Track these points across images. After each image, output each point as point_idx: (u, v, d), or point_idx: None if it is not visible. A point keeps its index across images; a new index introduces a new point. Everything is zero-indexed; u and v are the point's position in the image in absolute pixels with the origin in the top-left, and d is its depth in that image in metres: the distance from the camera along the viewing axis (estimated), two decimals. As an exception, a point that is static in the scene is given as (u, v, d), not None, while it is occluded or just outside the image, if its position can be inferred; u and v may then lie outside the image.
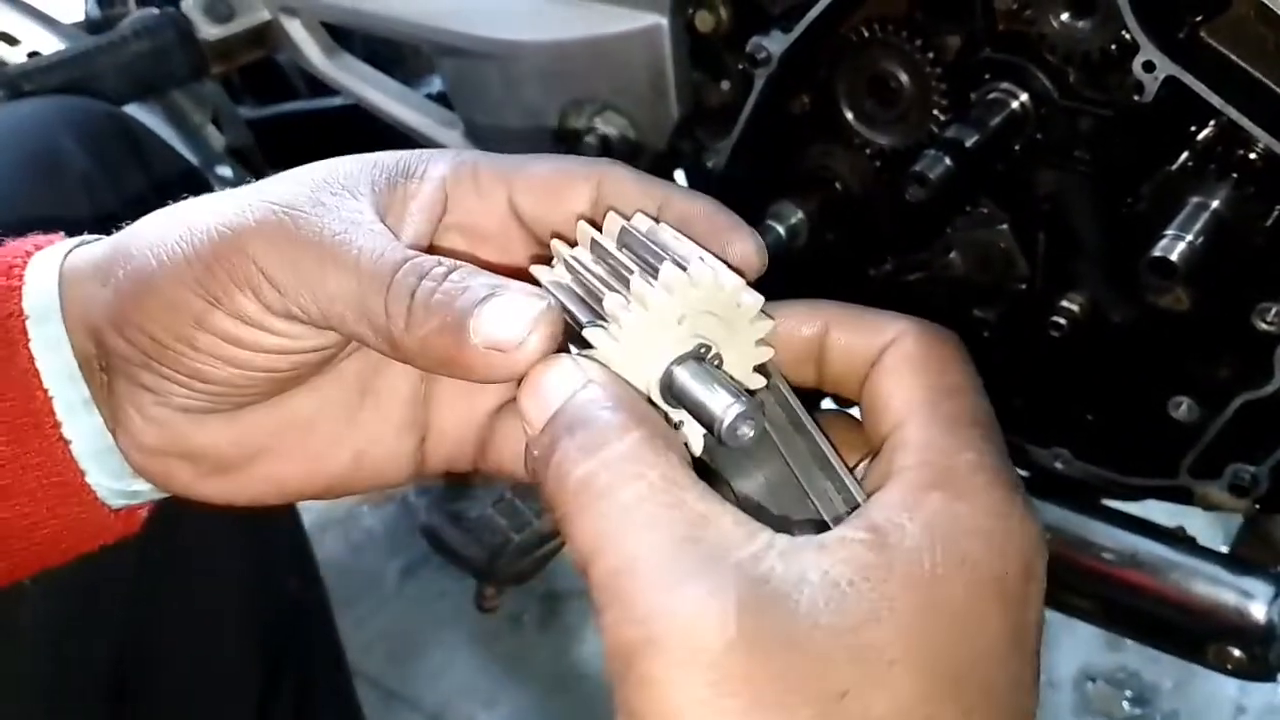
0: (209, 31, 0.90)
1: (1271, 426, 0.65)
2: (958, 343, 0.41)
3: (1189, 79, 0.58)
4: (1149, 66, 0.59)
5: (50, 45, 1.01)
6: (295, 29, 0.91)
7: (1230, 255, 0.62)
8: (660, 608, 0.31)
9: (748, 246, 0.41)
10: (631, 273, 0.39)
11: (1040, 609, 0.37)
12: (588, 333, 0.38)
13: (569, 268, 0.41)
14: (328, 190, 0.40)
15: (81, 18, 1.25)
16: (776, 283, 0.87)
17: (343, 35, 0.97)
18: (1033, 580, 0.36)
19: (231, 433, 0.44)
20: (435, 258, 0.38)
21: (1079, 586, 0.76)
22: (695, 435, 0.40)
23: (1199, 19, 0.60)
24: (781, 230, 0.76)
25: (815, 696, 0.31)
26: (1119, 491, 0.78)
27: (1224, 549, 0.80)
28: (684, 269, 0.38)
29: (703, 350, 0.39)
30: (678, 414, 0.40)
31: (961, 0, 0.68)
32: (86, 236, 0.46)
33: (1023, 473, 0.82)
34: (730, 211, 0.42)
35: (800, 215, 0.76)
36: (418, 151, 0.43)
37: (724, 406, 0.37)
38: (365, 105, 0.91)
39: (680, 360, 0.39)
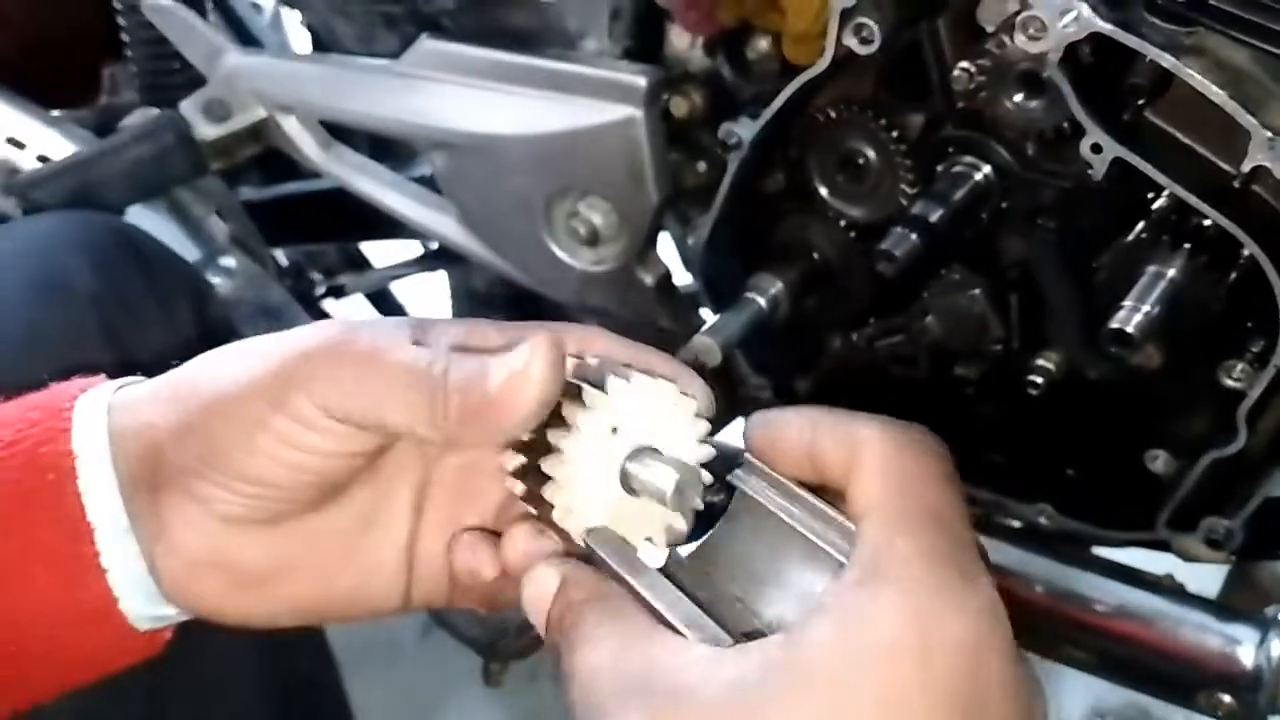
0: (206, 131, 0.93)
1: (1241, 481, 0.67)
2: (923, 439, 0.43)
3: (1135, 159, 0.61)
4: (1096, 148, 0.62)
5: (55, 144, 1.04)
6: (291, 125, 0.94)
7: (1189, 321, 0.64)
8: None
9: (696, 387, 0.46)
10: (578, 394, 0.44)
11: (1006, 679, 0.38)
12: (544, 464, 0.44)
13: None
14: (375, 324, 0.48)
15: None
16: (761, 351, 0.89)
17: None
18: (978, 654, 0.37)
19: (266, 544, 0.48)
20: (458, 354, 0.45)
21: (1070, 637, 0.78)
22: (656, 553, 0.44)
23: (1142, 102, 0.62)
24: (762, 302, 0.78)
25: None
26: (1103, 542, 0.79)
27: (1216, 590, 0.82)
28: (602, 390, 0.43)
29: (647, 450, 0.44)
30: (645, 515, 0.44)
31: (922, 81, 0.70)
32: (131, 379, 0.51)
33: (1014, 523, 0.84)
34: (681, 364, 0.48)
35: (780, 286, 0.79)
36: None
37: (669, 479, 0.43)
38: (362, 197, 0.94)
39: (631, 458, 0.44)
